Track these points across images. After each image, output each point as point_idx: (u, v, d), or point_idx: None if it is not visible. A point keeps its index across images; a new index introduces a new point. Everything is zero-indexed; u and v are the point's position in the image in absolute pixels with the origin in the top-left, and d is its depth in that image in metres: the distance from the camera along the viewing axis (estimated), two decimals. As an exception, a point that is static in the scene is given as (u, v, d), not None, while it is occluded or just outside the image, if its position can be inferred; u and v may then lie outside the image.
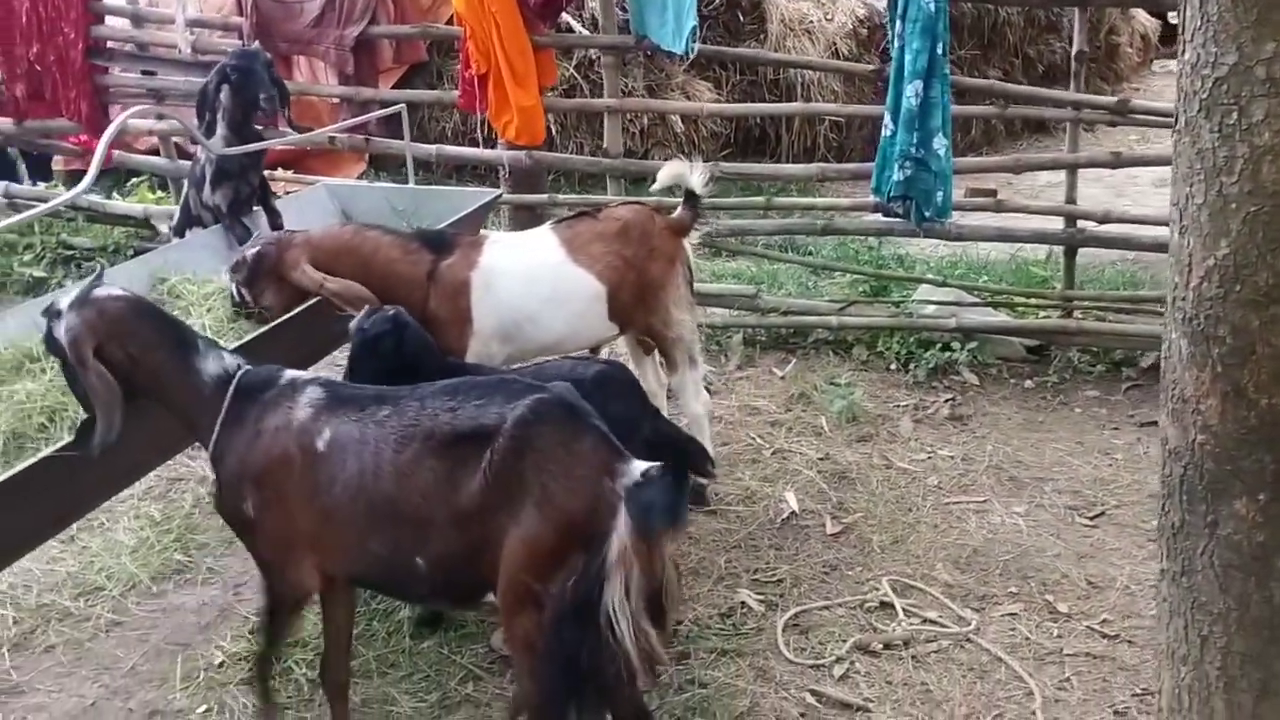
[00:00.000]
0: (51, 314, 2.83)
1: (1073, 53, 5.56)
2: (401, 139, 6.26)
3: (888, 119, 5.66)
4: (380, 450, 2.69)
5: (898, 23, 5.52)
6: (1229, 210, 2.39)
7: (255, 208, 4.74)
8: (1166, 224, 5.66)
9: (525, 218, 6.33)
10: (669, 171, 4.33)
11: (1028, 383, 5.89)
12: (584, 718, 2.59)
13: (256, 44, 4.96)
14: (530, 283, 4.04)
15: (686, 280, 4.38)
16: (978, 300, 6.24)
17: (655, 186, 4.41)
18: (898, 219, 5.86)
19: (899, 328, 6.08)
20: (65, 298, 2.86)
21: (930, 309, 6.20)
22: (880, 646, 3.74)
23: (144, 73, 6.74)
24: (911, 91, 5.48)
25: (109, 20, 6.68)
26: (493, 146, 6.37)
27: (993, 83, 6.08)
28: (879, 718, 3.42)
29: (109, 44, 6.69)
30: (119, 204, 7.09)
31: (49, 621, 3.91)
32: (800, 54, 9.57)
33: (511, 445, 2.56)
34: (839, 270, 6.60)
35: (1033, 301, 6.16)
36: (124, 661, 3.73)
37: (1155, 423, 5.40)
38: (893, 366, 6.02)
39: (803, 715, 3.44)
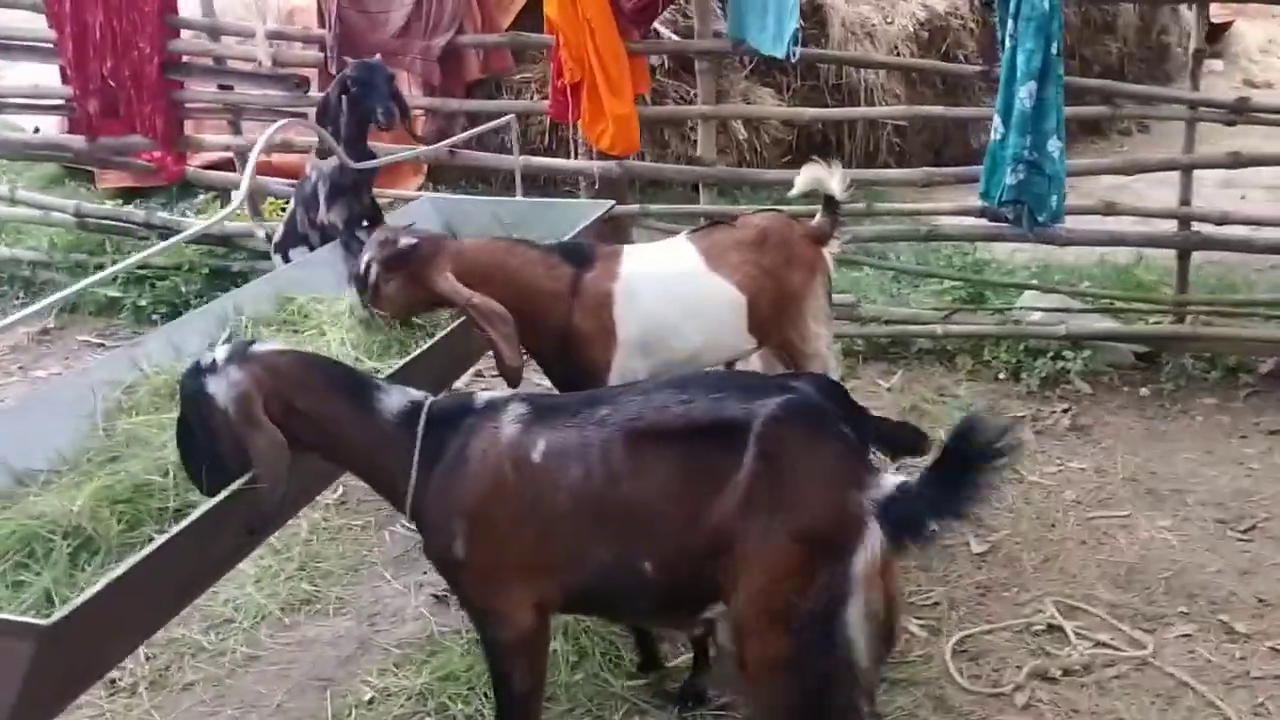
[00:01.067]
0: (203, 370, 2.65)
1: (1190, 50, 5.41)
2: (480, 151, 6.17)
3: (997, 122, 5.51)
4: (608, 450, 2.57)
5: (1009, 22, 5.36)
6: None
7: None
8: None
9: (608, 229, 6.17)
10: (807, 176, 4.16)
11: (1143, 390, 5.71)
12: None
13: (378, 56, 4.80)
14: (671, 293, 3.88)
15: (826, 292, 4.22)
16: (1084, 306, 6.08)
17: (793, 192, 4.24)
18: (1005, 224, 5.70)
19: (1006, 336, 5.91)
20: (216, 353, 2.69)
21: (1036, 316, 6.04)
22: (1059, 673, 3.57)
23: (221, 87, 6.60)
24: (1025, 93, 5.31)
25: (185, 34, 6.53)
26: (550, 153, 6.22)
27: (1105, 82, 5.91)
28: (1073, 750, 3.26)
29: (185, 58, 6.55)
30: (196, 222, 6.95)
31: (183, 656, 3.76)
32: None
33: (760, 444, 2.45)
34: (938, 277, 6.43)
35: (1142, 306, 6.00)
36: (268, 698, 3.58)
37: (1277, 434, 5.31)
38: (1001, 376, 5.85)
39: (993, 747, 3.28)
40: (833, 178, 4.11)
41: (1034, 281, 6.30)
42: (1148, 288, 6.19)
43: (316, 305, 3.91)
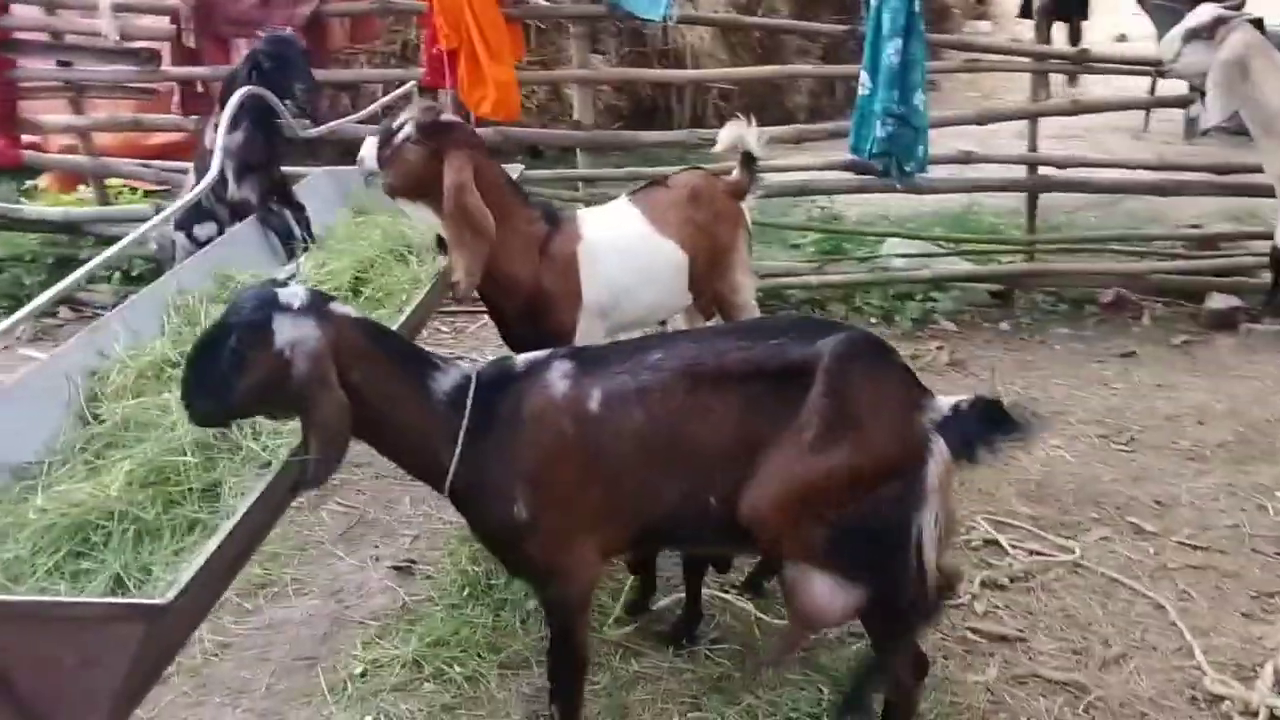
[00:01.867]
0: (275, 303, 2.49)
1: (1035, 6, 5.83)
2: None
3: (865, 78, 5.79)
4: (670, 392, 2.63)
5: (874, -18, 5.65)
6: None
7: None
8: (1121, 166, 6.10)
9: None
10: (729, 134, 4.32)
11: (1003, 325, 6.18)
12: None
13: (289, 30, 4.62)
14: (626, 255, 3.97)
15: (748, 244, 4.39)
16: (942, 250, 6.49)
17: (718, 148, 4.39)
18: (873, 176, 6.01)
19: (876, 283, 6.25)
20: (296, 291, 2.56)
21: (899, 262, 6.40)
22: (1006, 581, 3.87)
23: (60, 63, 6.22)
24: (892, 49, 5.62)
25: (16, 9, 6.11)
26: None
27: (962, 37, 6.29)
28: (1038, 644, 3.56)
29: (17, 34, 6.13)
30: (33, 208, 6.55)
31: (148, 651, 3.62)
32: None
33: (830, 379, 2.55)
34: (811, 230, 6.74)
35: (996, 248, 6.46)
36: (254, 683, 3.49)
37: (1134, 353, 5.83)
38: (874, 320, 6.19)
39: (967, 651, 3.53)
40: (751, 135, 4.28)
41: (896, 230, 6.66)
42: (999, 230, 6.65)
43: (259, 282, 3.79)
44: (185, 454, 2.71)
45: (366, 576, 4.02)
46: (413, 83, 4.85)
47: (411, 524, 4.35)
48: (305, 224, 4.38)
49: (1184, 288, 6.23)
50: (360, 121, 4.69)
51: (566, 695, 2.96)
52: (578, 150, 6.27)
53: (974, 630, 3.62)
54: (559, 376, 2.71)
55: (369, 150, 3.67)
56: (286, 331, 2.49)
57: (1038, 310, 6.28)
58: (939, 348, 5.89)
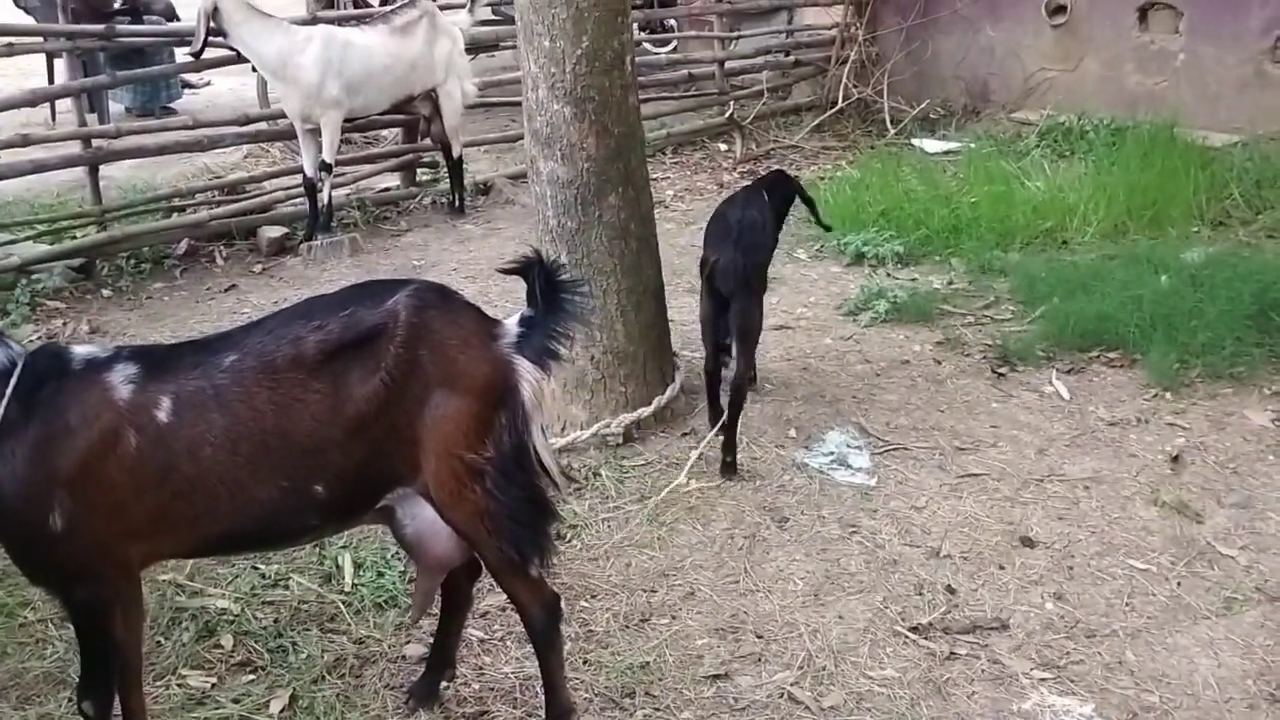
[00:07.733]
0: None
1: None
2: None
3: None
4: (252, 392, 2.51)
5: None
6: (584, 18, 4.03)
7: None
8: (171, 129, 6.74)
9: None
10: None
11: (105, 293, 6.42)
12: (547, 556, 2.78)
13: None
14: None
15: None
16: (19, 236, 6.46)
17: None
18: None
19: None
20: None
21: (-21, 256, 6.24)
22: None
23: None
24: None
25: None
26: None
27: (-10, 21, 6.17)
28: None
29: None
30: None
31: None
32: None
33: (410, 335, 2.59)
34: None
35: (73, 224, 6.65)
36: None
37: (236, 285, 6.57)
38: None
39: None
40: None
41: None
42: (69, 207, 6.80)
43: None
44: None
45: None
46: None
47: None
48: None
49: (238, 228, 7.12)
50: None
51: (100, 690, 2.64)
52: None
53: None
54: (121, 380, 2.50)
55: None
56: None
57: (125, 275, 6.61)
58: (66, 324, 5.98)
